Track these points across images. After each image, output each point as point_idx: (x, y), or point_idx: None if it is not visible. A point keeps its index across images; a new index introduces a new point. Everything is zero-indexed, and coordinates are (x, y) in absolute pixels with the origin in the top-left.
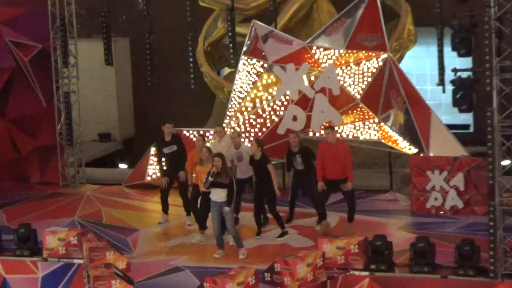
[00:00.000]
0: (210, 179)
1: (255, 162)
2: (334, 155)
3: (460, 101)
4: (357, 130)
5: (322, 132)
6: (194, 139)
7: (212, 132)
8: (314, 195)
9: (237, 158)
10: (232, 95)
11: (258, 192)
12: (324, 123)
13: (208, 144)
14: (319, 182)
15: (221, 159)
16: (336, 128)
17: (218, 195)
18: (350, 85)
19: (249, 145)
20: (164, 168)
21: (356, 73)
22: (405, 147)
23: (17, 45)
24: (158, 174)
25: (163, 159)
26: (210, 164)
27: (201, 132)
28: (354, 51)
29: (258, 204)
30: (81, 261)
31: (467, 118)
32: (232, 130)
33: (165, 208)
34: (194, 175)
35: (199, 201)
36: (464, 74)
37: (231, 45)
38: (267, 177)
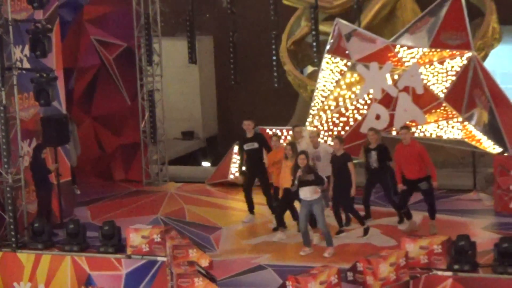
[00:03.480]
0: (296, 183)
1: (336, 160)
2: (409, 155)
3: None
4: (441, 129)
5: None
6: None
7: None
8: (390, 196)
9: (316, 158)
10: (315, 93)
11: (336, 190)
12: (407, 122)
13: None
14: (398, 184)
15: (305, 157)
16: (419, 127)
17: (305, 193)
18: (433, 84)
19: (328, 144)
20: (244, 166)
21: (440, 72)
22: (489, 146)
23: (102, 44)
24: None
25: (244, 156)
26: (293, 160)
27: (278, 133)
28: (438, 50)
29: (336, 201)
30: (164, 259)
31: None
32: (311, 129)
33: (250, 208)
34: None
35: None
36: None
37: (314, 43)
38: (346, 175)
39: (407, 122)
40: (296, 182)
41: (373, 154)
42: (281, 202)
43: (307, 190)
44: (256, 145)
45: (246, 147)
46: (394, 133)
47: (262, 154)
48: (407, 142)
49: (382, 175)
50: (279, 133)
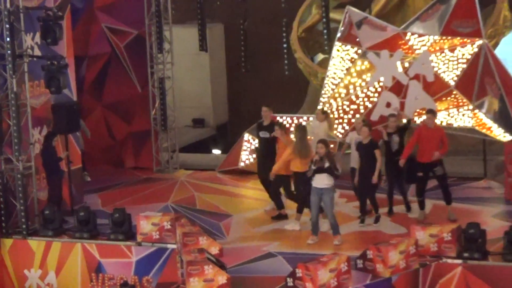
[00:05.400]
0: (313, 167)
1: (363, 147)
2: (432, 138)
3: None
4: (451, 117)
5: (416, 118)
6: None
7: (305, 118)
8: (403, 181)
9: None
10: (325, 81)
11: (362, 177)
12: (418, 110)
13: (306, 125)
14: (401, 159)
15: (324, 145)
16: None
17: (319, 181)
18: (444, 71)
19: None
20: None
21: (450, 60)
22: (500, 134)
23: (113, 31)
24: (252, 160)
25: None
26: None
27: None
28: (449, 38)
29: (361, 188)
30: (174, 246)
31: None
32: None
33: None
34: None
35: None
36: None
37: (325, 31)
38: (373, 162)
39: (418, 110)
40: (312, 167)
41: (394, 137)
42: (298, 188)
43: (323, 177)
44: (267, 134)
45: (261, 134)
46: (404, 120)
47: (274, 145)
48: (431, 126)
49: (398, 158)
50: (289, 121)
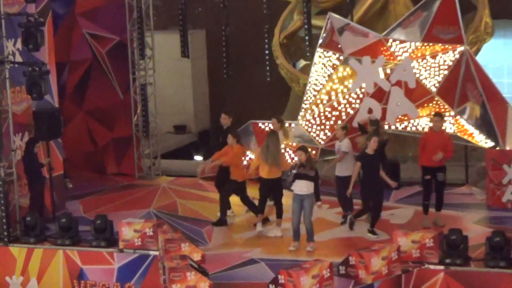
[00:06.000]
0: (294, 171)
1: (370, 158)
2: (439, 142)
3: None
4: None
5: (398, 125)
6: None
7: (287, 124)
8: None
9: (337, 151)
10: (307, 87)
11: (367, 185)
12: (400, 116)
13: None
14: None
15: (303, 152)
16: (412, 121)
17: (301, 187)
18: (426, 78)
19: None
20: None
21: (432, 66)
22: (481, 140)
23: (94, 37)
24: None
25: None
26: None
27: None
28: (431, 44)
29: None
30: (156, 253)
31: None
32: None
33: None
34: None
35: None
36: None
37: (307, 37)
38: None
39: (400, 116)
40: (293, 171)
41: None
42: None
43: (303, 184)
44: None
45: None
46: (386, 126)
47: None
48: (438, 129)
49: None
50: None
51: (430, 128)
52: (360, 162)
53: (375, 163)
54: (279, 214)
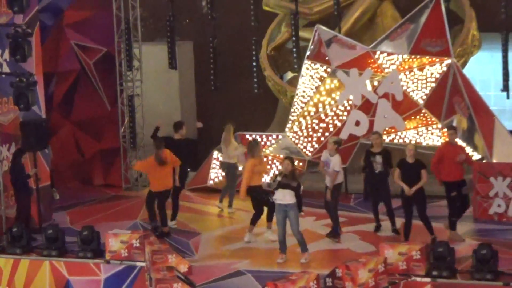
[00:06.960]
0: (279, 179)
1: (409, 166)
2: (455, 155)
3: None
4: (420, 135)
5: (385, 137)
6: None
7: (274, 136)
8: (389, 203)
9: (326, 164)
10: (295, 99)
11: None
12: (387, 128)
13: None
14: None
15: (290, 163)
16: (399, 133)
17: (284, 197)
18: (413, 90)
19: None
20: None
21: (419, 79)
22: (468, 153)
23: (82, 48)
24: (221, 178)
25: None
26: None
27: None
28: (418, 57)
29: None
30: (143, 264)
31: None
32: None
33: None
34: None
35: None
36: None
37: (294, 49)
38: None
39: (387, 129)
40: (278, 178)
41: (378, 158)
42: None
43: (286, 193)
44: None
45: None
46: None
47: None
48: (453, 142)
49: (385, 180)
50: (259, 139)
51: (446, 142)
52: (400, 169)
53: (414, 172)
54: (269, 217)
